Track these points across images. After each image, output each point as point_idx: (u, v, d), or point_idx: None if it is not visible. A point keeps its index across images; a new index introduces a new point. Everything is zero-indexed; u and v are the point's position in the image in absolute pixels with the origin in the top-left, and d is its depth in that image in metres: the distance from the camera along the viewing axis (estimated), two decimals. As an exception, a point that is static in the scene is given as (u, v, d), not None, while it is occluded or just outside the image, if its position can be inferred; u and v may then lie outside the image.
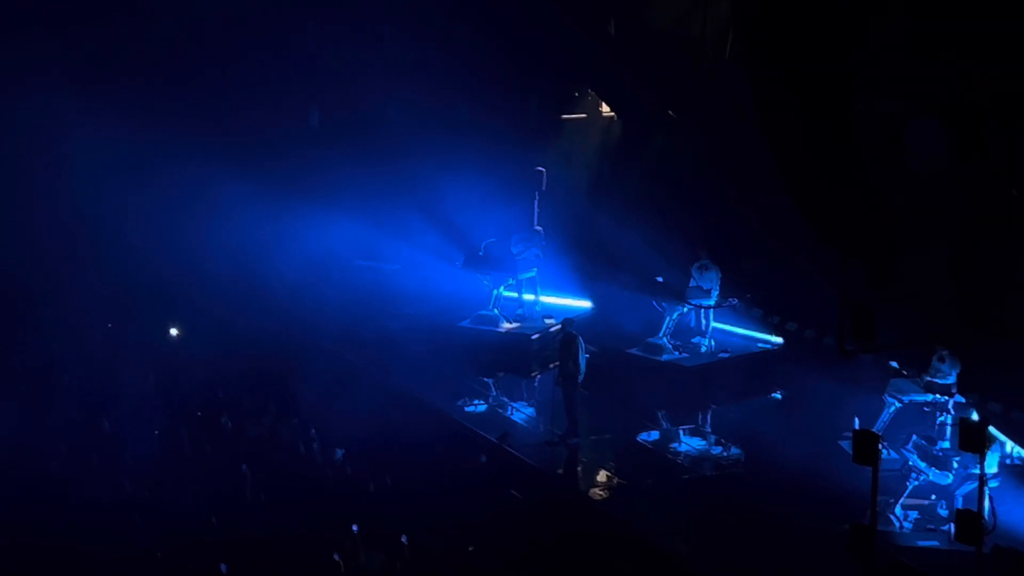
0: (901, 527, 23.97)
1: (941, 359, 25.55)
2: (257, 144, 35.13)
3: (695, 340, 31.32)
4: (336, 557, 22.53)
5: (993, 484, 22.66)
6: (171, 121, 34.39)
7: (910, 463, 24.21)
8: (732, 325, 32.24)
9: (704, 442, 28.15)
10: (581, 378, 27.64)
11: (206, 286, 33.07)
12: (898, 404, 26.17)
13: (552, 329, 31.96)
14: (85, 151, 34.27)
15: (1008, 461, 25.43)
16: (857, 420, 25.25)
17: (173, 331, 31.70)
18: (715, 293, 31.04)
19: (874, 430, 23.88)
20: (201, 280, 33.29)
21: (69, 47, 34.50)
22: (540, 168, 34.61)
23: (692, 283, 31.11)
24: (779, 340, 32.10)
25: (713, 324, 31.39)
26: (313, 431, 26.67)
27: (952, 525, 22.79)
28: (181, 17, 35.11)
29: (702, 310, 31.17)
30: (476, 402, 29.91)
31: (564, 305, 33.69)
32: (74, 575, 22.45)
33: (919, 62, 20.85)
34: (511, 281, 32.97)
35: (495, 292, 32.88)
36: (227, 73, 35.42)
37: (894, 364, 26.76)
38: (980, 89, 19.81)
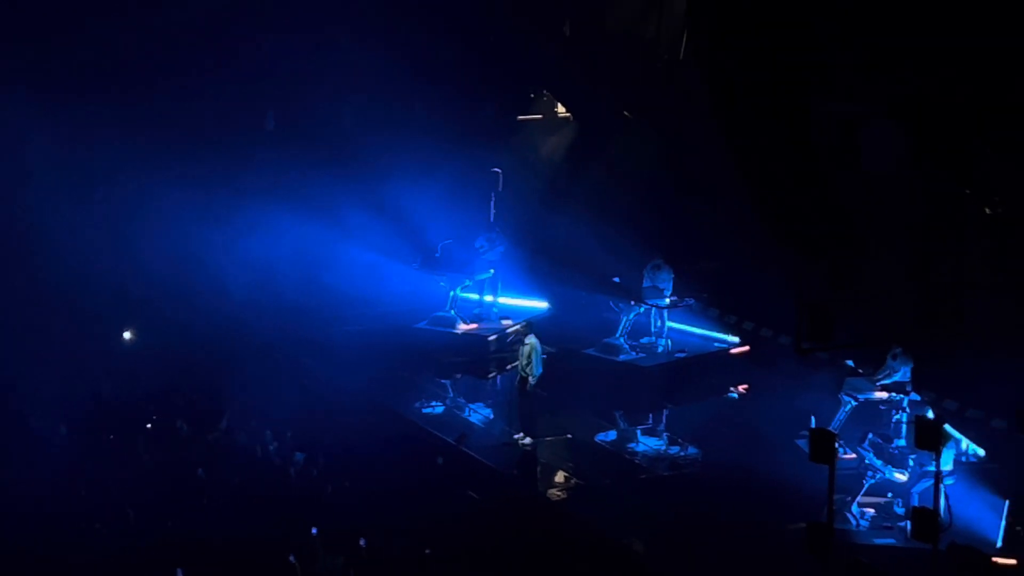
0: (858, 525, 24.08)
1: (895, 357, 25.70)
2: (212, 148, 34.97)
3: (652, 340, 31.36)
4: (292, 559, 22.47)
5: (949, 482, 22.78)
6: (126, 127, 34.15)
7: (866, 461, 24.31)
8: (689, 325, 32.31)
9: (661, 442, 28.20)
10: (536, 379, 27.64)
11: (162, 291, 32.87)
12: (854, 403, 26.29)
13: (509, 330, 31.98)
14: (41, 159, 34.04)
15: (963, 459, 25.56)
16: (813, 419, 25.37)
17: (127, 335, 31.52)
18: (668, 293, 31.09)
19: (830, 429, 24.01)
20: (157, 285, 33.08)
21: (23, 56, 34.26)
22: (496, 169, 34.61)
23: (646, 283, 31.15)
24: (736, 340, 32.20)
25: (669, 324, 31.46)
26: (269, 434, 26.60)
27: (908, 523, 22.92)
28: (135, 24, 34.89)
29: (657, 310, 31.22)
30: (433, 404, 29.89)
31: (521, 306, 33.70)
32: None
33: (874, 66, 20.99)
34: (467, 282, 32.97)
35: (452, 293, 32.87)
36: (181, 78, 35.21)
37: (850, 363, 26.88)
38: (934, 93, 19.94)
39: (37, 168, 34.17)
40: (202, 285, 33.25)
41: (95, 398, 28.34)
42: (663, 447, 28.00)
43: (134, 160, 33.85)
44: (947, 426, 22.90)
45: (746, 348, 31.98)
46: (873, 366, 26.29)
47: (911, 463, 23.86)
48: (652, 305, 31.13)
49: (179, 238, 34.01)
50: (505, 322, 32.82)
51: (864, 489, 24.35)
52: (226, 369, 29.52)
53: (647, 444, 28.10)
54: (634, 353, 31.17)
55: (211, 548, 23.00)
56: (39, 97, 33.64)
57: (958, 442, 25.06)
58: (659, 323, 31.39)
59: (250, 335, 32.06)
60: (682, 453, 27.65)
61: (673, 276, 31.16)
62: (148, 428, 27.03)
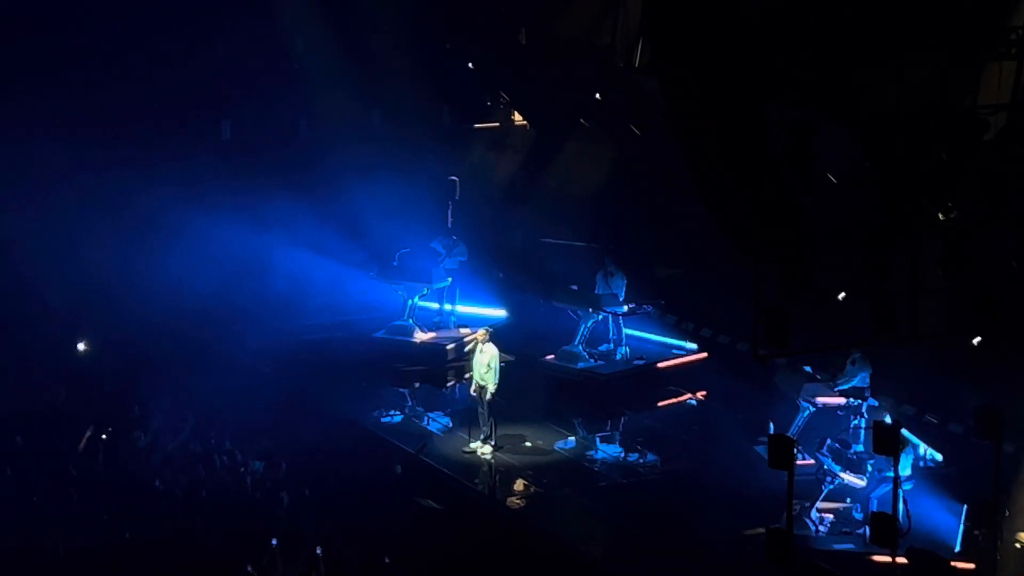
0: (817, 531, 24.14)
1: (853, 362, 25.78)
2: (168, 157, 34.85)
3: (610, 347, 31.38)
4: (249, 568, 22.40)
5: (907, 486, 22.86)
6: (80, 134, 34.04)
7: (825, 467, 24.36)
8: (647, 332, 32.34)
9: (620, 449, 28.21)
10: (494, 387, 27.62)
11: (116, 299, 32.72)
12: (812, 408, 26.36)
13: (467, 339, 31.94)
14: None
15: (922, 464, 25.63)
16: (772, 425, 25.43)
17: (81, 346, 31.34)
18: (621, 298, 31.12)
19: (789, 434, 24.04)
20: (111, 293, 32.93)
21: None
22: (453, 177, 34.60)
23: (600, 289, 31.15)
24: (694, 346, 32.26)
25: (627, 331, 31.48)
26: (228, 444, 26.50)
27: (867, 528, 22.96)
28: (90, 29, 34.76)
29: (614, 317, 31.24)
30: (392, 412, 29.82)
31: (479, 315, 33.68)
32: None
33: (828, 71, 21.02)
34: (425, 291, 32.92)
35: (409, 302, 32.82)
36: (137, 86, 35.10)
37: (808, 368, 26.96)
38: (888, 98, 19.99)
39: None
40: (156, 294, 33.08)
41: (50, 407, 28.19)
42: (622, 454, 28.01)
43: (85, 167, 33.65)
44: (905, 431, 22.98)
45: (703, 355, 32.04)
46: (831, 372, 26.37)
47: (869, 468, 23.92)
48: (610, 312, 31.15)
49: (132, 244, 33.85)
50: (463, 331, 32.77)
51: (823, 495, 24.41)
52: (184, 378, 29.41)
53: (606, 451, 28.10)
54: (592, 361, 31.17)
55: (169, 558, 22.89)
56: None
57: (916, 447, 25.14)
58: (615, 330, 31.41)
59: (206, 344, 31.92)
60: (641, 460, 27.65)
61: (626, 282, 31.20)
62: (104, 438, 26.84)
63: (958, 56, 21.78)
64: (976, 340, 24.65)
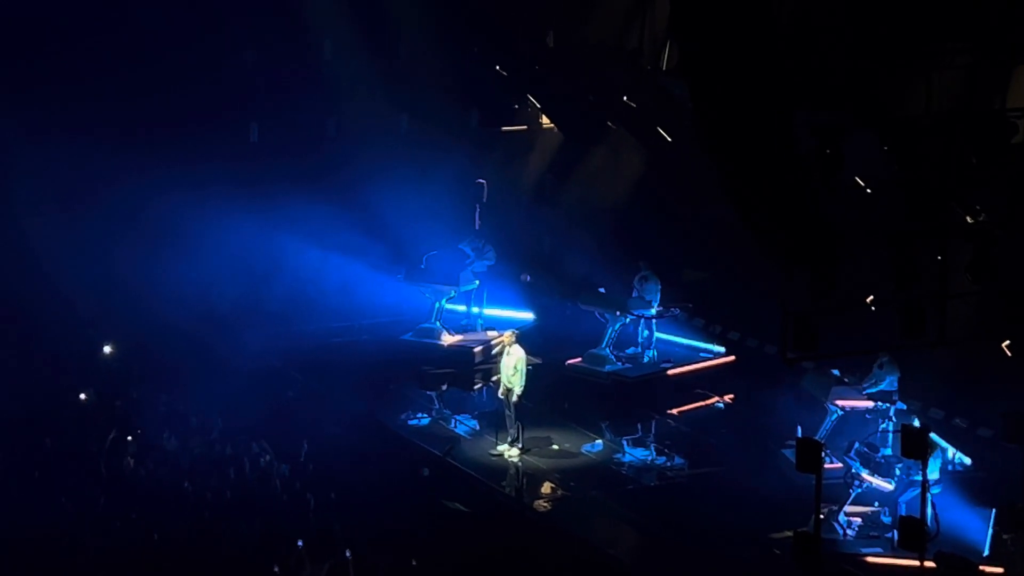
0: (845, 535, 24.10)
1: (881, 366, 25.75)
2: (197, 160, 34.93)
3: (638, 351, 31.38)
4: (276, 570, 22.46)
5: (935, 490, 22.82)
6: (110, 138, 34.14)
7: (853, 471, 24.33)
8: (675, 335, 32.33)
9: (648, 452, 28.22)
10: (521, 390, 27.63)
11: (144, 302, 32.81)
12: (840, 412, 26.32)
13: (495, 342, 31.96)
14: (24, 173, 34.01)
15: (950, 467, 25.61)
16: (800, 428, 25.40)
17: (107, 348, 31.43)
18: (655, 303, 31.12)
19: (817, 438, 24.02)
20: (139, 296, 33.02)
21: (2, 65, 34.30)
22: (481, 180, 34.62)
23: (634, 294, 31.21)
24: (722, 350, 32.23)
25: (657, 334, 31.48)
26: (256, 447, 26.53)
27: (895, 532, 22.96)
28: (118, 35, 34.88)
29: (644, 320, 31.24)
30: (420, 415, 29.88)
31: (507, 317, 33.69)
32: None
33: (857, 75, 21.00)
34: (453, 294, 32.96)
35: (437, 305, 32.86)
36: (166, 90, 35.20)
37: (836, 372, 26.93)
38: (917, 102, 19.98)
39: (23, 183, 34.13)
40: (185, 297, 33.19)
41: (78, 409, 28.29)
42: (650, 457, 28.01)
43: (114, 172, 33.74)
44: (933, 435, 22.95)
45: (731, 358, 32.02)
46: (859, 375, 26.34)
47: (897, 472, 23.88)
48: (638, 316, 31.14)
49: (160, 248, 33.94)
50: (491, 333, 32.79)
51: (851, 498, 24.38)
52: (213, 380, 29.48)
53: (634, 455, 28.11)
54: (620, 364, 31.17)
55: (197, 559, 22.95)
56: (26, 108, 33.67)
57: (944, 451, 25.10)
58: (646, 333, 31.41)
59: (236, 346, 32.01)
60: (669, 463, 27.66)
61: (660, 287, 31.21)
62: (130, 440, 26.92)
63: (987, 60, 21.75)
64: (1005, 344, 24.61)
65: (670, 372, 31.14)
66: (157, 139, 34.88)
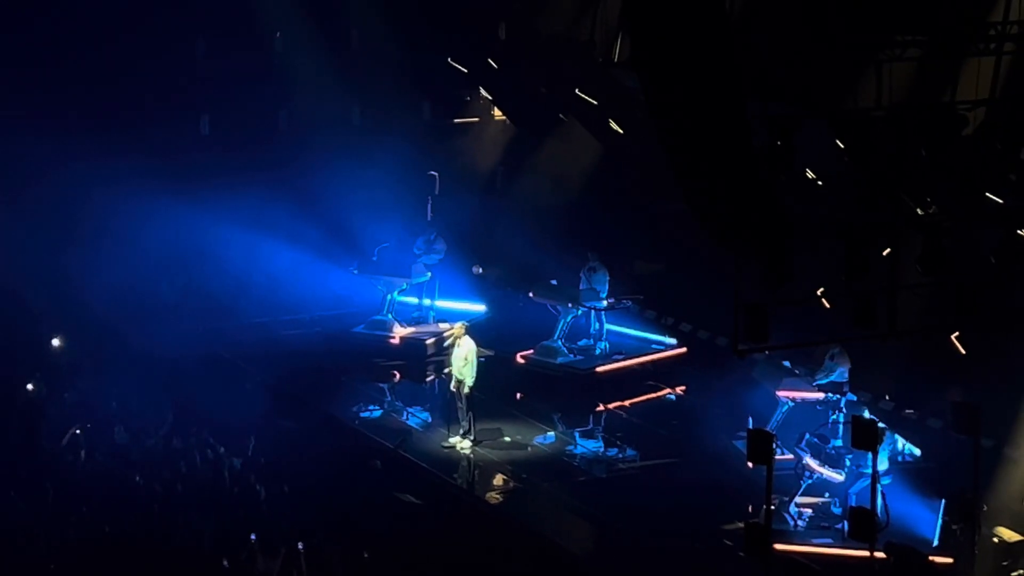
0: (795, 525, 24.17)
1: (832, 357, 25.84)
2: (147, 153, 34.73)
3: (590, 343, 31.40)
4: (225, 563, 22.39)
5: (885, 481, 22.93)
6: (57, 130, 33.89)
7: (803, 462, 24.42)
8: (627, 327, 32.36)
9: (599, 444, 28.25)
10: (472, 382, 27.62)
11: (93, 294, 32.62)
12: (791, 403, 26.42)
13: (446, 334, 31.91)
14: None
15: (900, 458, 25.72)
16: (751, 419, 25.47)
17: (56, 342, 31.22)
18: (604, 294, 31.14)
19: (768, 429, 24.11)
20: (88, 288, 32.83)
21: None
22: (433, 173, 34.58)
23: (583, 285, 31.21)
24: (673, 341, 32.28)
25: (608, 326, 31.51)
26: (211, 439, 26.45)
27: (846, 523, 23.05)
28: (67, 24, 34.60)
29: (596, 312, 31.26)
30: (371, 408, 29.83)
31: (458, 309, 33.66)
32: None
33: (808, 68, 21.13)
34: (405, 286, 32.91)
35: (389, 297, 32.81)
36: (115, 81, 35.00)
37: (787, 363, 27.01)
38: (867, 95, 20.09)
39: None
40: (132, 289, 33.02)
41: (27, 402, 28.13)
42: (601, 449, 28.05)
43: (62, 163, 33.50)
44: (883, 426, 23.06)
45: (683, 350, 32.08)
46: (810, 367, 26.45)
47: (848, 463, 23.98)
48: (590, 307, 31.17)
49: (108, 241, 33.74)
50: (443, 326, 32.75)
51: (801, 489, 24.45)
52: (162, 373, 29.37)
53: (585, 446, 28.14)
54: (572, 356, 31.18)
55: (148, 553, 22.87)
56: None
57: (894, 442, 25.21)
58: (597, 325, 31.43)
59: (185, 339, 31.86)
60: (621, 455, 27.69)
61: (609, 278, 31.24)
62: (78, 433, 26.77)
63: (937, 52, 21.87)
64: (954, 336, 24.75)
65: (599, 369, 31.00)
66: (106, 129, 34.64)
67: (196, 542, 23.34)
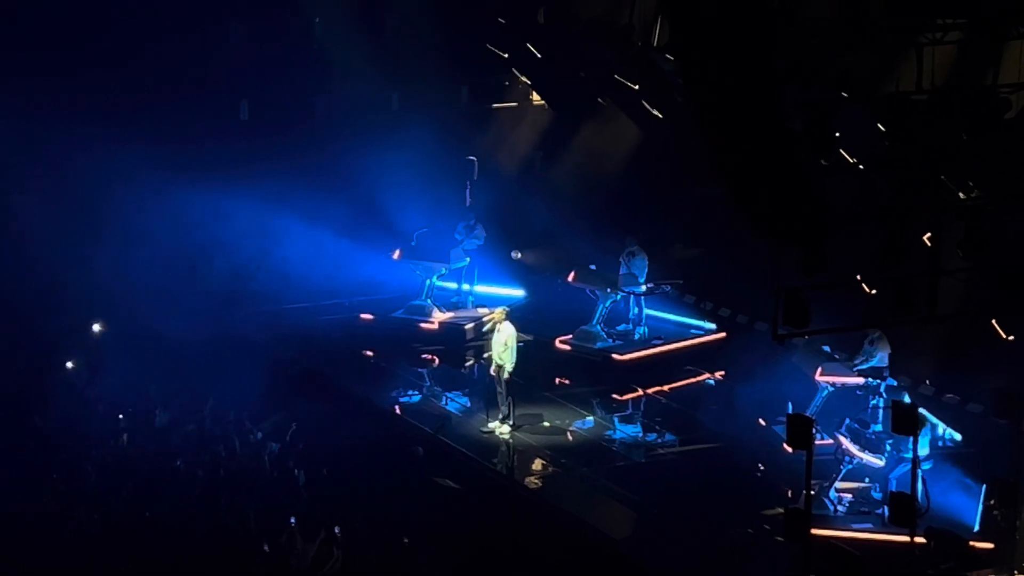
0: (835, 511, 24.13)
1: (872, 342, 25.75)
2: (186, 139, 34.82)
3: (629, 327, 31.37)
4: (266, 548, 22.48)
5: (926, 466, 22.86)
6: (95, 116, 33.98)
7: (843, 447, 24.35)
8: (665, 312, 32.31)
9: (639, 429, 28.23)
10: (512, 367, 27.63)
11: (135, 282, 32.73)
12: (831, 388, 26.34)
13: (485, 319, 31.95)
14: (6, 149, 33.83)
15: (940, 443, 25.64)
16: (791, 405, 25.40)
17: (96, 327, 31.35)
18: (642, 279, 31.09)
19: (807, 414, 24.04)
20: (128, 273, 32.94)
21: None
22: (472, 157, 34.57)
23: (622, 270, 31.17)
24: (713, 326, 32.22)
25: (647, 311, 31.47)
26: (248, 424, 26.54)
27: (886, 508, 22.99)
28: (105, 11, 34.63)
29: (635, 297, 31.23)
30: (410, 393, 29.88)
31: (497, 294, 33.67)
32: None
33: (848, 52, 21.02)
34: (444, 271, 32.93)
35: (428, 282, 32.83)
36: (154, 67, 35.07)
37: (826, 348, 26.93)
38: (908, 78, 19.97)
39: (8, 159, 33.98)
40: (175, 274, 33.14)
41: (69, 388, 28.27)
42: (640, 434, 28.04)
43: (101, 150, 33.57)
44: (923, 411, 22.98)
45: (722, 335, 32.01)
46: (850, 352, 26.36)
47: (888, 448, 23.90)
48: (629, 292, 31.14)
49: (148, 226, 33.84)
50: (481, 311, 32.78)
51: (841, 474, 24.40)
52: (203, 359, 29.46)
53: (624, 431, 28.13)
54: (611, 341, 31.16)
55: (189, 537, 22.96)
56: (9, 84, 33.51)
57: (934, 427, 25.12)
58: (636, 310, 31.40)
59: (225, 325, 31.98)
60: (659, 440, 27.68)
61: (648, 262, 31.18)
62: (121, 418, 26.91)
63: (978, 35, 21.72)
64: (995, 322, 24.63)
65: (617, 357, 30.88)
66: (144, 116, 34.70)
67: (238, 526, 23.42)
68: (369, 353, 31.50)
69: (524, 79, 39.26)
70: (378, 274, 34.45)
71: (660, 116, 34.69)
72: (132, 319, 31.55)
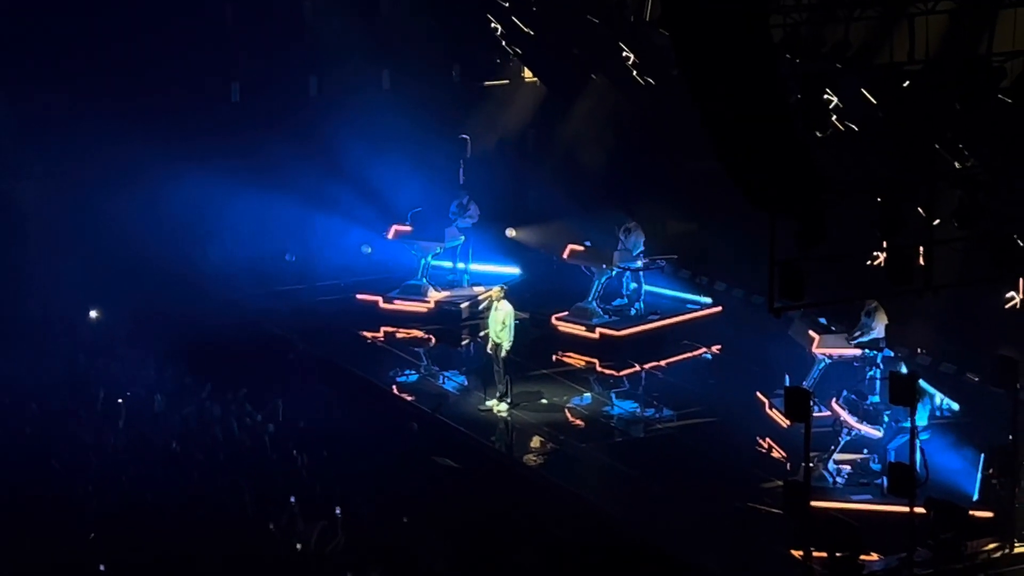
0: (834, 482, 24.15)
1: (868, 314, 25.74)
2: (177, 120, 34.75)
3: (624, 303, 31.37)
4: (271, 527, 22.49)
5: (924, 437, 22.86)
6: (86, 98, 33.94)
7: (841, 418, 24.36)
8: (661, 287, 32.30)
9: (636, 404, 28.25)
10: (510, 345, 27.63)
11: (132, 266, 32.69)
12: (828, 360, 26.35)
13: (481, 297, 31.94)
14: (7, 137, 33.78)
15: (938, 413, 25.63)
16: (788, 377, 25.41)
17: (93, 313, 31.31)
18: (639, 255, 31.08)
19: (805, 387, 24.07)
20: (127, 260, 32.90)
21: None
22: (464, 136, 34.51)
23: (619, 246, 31.14)
24: (708, 300, 32.22)
25: (645, 287, 31.46)
26: (249, 407, 26.51)
27: (885, 479, 23.02)
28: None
29: (631, 273, 31.22)
30: (407, 372, 29.87)
31: (493, 272, 33.65)
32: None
33: (841, 23, 20.96)
34: (439, 250, 32.90)
35: (423, 261, 32.81)
36: (145, 48, 34.97)
37: (823, 321, 26.93)
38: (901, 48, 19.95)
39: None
40: (166, 258, 33.09)
41: (68, 373, 28.23)
42: (637, 409, 28.05)
43: (91, 131, 33.52)
44: (921, 381, 22.99)
45: (718, 309, 32.01)
46: (846, 324, 26.35)
47: (886, 419, 23.91)
48: (624, 268, 31.12)
49: (142, 210, 33.77)
50: (477, 289, 32.76)
51: (839, 446, 24.42)
52: (200, 341, 29.45)
53: (622, 407, 28.14)
54: (607, 317, 31.15)
55: (190, 520, 22.96)
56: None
57: (932, 397, 25.13)
58: (632, 286, 31.39)
59: (219, 307, 31.96)
60: (657, 415, 27.70)
61: (644, 238, 31.16)
62: (121, 402, 26.88)
63: (970, 3, 21.69)
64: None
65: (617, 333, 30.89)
66: (136, 98, 34.63)
67: (239, 507, 23.41)
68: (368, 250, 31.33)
69: (516, 55, 39.18)
70: (373, 254, 34.44)
71: (654, 90, 34.61)
72: (128, 304, 31.48)
